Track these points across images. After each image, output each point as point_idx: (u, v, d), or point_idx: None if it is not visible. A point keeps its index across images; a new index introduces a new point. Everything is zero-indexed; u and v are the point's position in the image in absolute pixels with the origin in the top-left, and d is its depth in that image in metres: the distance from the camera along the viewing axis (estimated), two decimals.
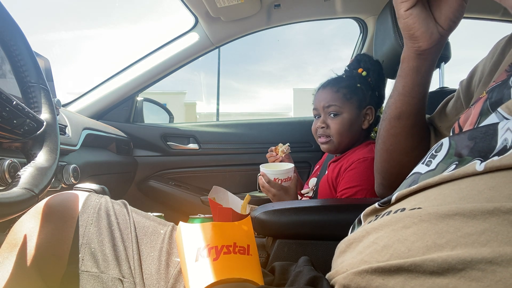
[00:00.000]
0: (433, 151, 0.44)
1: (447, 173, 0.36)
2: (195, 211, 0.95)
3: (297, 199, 1.09)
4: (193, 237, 0.47)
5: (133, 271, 0.48)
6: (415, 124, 0.58)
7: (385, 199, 0.42)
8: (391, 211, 0.39)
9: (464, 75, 0.59)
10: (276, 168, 1.10)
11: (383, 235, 0.36)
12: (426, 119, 0.65)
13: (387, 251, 0.33)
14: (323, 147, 1.13)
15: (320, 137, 1.12)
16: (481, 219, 0.29)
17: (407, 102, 0.56)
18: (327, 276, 0.42)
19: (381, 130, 0.63)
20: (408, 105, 0.57)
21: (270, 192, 1.07)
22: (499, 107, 0.37)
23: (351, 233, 0.46)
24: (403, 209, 0.37)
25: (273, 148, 1.28)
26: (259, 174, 1.52)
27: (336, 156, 1.15)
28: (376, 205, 0.43)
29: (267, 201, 1.20)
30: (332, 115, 1.08)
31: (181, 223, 0.50)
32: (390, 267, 0.31)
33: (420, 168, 0.43)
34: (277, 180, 1.07)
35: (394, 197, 0.41)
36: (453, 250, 0.29)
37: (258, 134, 1.70)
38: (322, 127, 1.10)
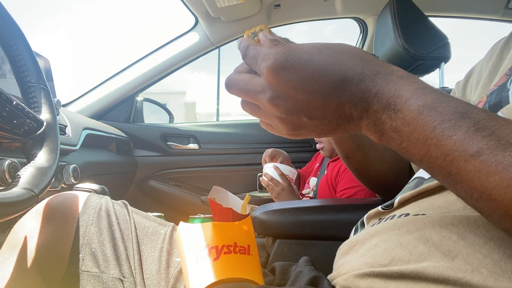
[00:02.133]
0: None
1: None
2: (195, 211, 0.95)
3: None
4: (193, 237, 0.47)
5: (133, 271, 0.48)
6: (366, 154, 0.60)
7: (388, 202, 0.42)
8: (395, 215, 0.39)
9: (463, 75, 0.59)
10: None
11: (386, 239, 0.36)
12: None
13: (389, 254, 0.33)
14: (320, 152, 1.18)
15: (316, 143, 1.18)
16: (484, 229, 0.30)
17: (345, 146, 0.59)
18: (328, 277, 0.42)
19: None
20: (348, 147, 0.59)
21: (279, 186, 1.08)
22: (499, 110, 0.37)
23: (353, 235, 0.46)
24: (407, 214, 0.37)
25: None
26: (259, 174, 1.53)
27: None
28: (379, 208, 0.43)
29: (267, 201, 1.20)
30: None
31: (181, 223, 0.50)
32: (391, 273, 0.32)
33: (423, 172, 0.43)
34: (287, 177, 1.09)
35: (396, 200, 0.41)
36: (454, 260, 0.29)
37: (258, 134, 1.69)
38: None
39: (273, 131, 0.36)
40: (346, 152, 0.60)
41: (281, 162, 1.26)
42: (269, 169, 1.12)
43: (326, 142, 1.12)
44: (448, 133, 0.25)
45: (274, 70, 0.30)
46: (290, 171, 1.11)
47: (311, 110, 0.31)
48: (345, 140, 0.58)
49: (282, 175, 1.09)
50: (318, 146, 1.17)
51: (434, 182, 0.37)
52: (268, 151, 1.31)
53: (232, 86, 0.35)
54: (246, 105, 0.36)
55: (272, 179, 1.10)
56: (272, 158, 1.27)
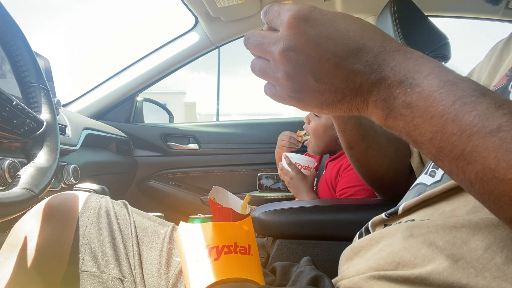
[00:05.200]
0: None
1: (451, 181, 0.36)
2: (195, 211, 0.95)
3: (313, 190, 1.10)
4: (193, 237, 0.47)
5: (133, 271, 0.48)
6: (369, 146, 0.59)
7: (392, 210, 0.41)
8: (400, 222, 0.39)
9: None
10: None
11: (391, 243, 0.36)
12: None
13: (393, 259, 0.33)
14: (308, 149, 1.16)
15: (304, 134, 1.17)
16: (486, 231, 0.29)
17: (348, 135, 0.58)
18: (332, 281, 0.42)
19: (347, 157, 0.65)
20: (352, 136, 0.58)
21: (288, 175, 1.08)
22: None
23: (358, 240, 0.46)
24: (413, 220, 0.37)
25: (293, 134, 1.25)
26: (259, 174, 1.53)
27: (330, 155, 1.16)
28: (383, 215, 0.43)
29: (267, 201, 1.20)
30: (315, 114, 1.11)
31: (181, 223, 0.50)
32: (396, 277, 0.32)
33: (424, 179, 0.43)
34: (297, 165, 1.09)
35: (401, 208, 0.40)
36: (458, 264, 0.29)
37: (258, 134, 1.69)
38: (305, 123, 1.14)
39: (275, 94, 0.34)
40: (349, 141, 0.59)
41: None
42: (282, 159, 1.13)
43: (313, 137, 1.11)
44: (469, 108, 0.24)
45: (295, 19, 0.29)
46: (303, 159, 1.11)
47: (321, 72, 0.30)
48: (349, 128, 0.57)
49: (290, 164, 1.09)
50: (306, 143, 1.17)
51: (438, 189, 0.37)
52: (283, 135, 1.27)
53: (249, 38, 0.34)
54: (256, 62, 0.34)
55: (282, 168, 1.11)
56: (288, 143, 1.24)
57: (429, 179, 0.42)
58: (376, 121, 0.30)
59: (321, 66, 0.29)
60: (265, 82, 0.36)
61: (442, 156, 0.26)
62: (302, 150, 1.33)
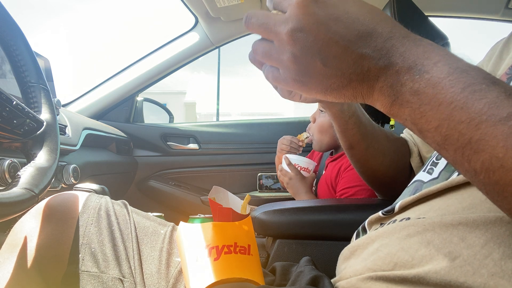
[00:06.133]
0: (434, 158, 0.43)
1: (447, 181, 0.36)
2: (195, 211, 0.95)
3: (312, 191, 1.10)
4: (193, 237, 0.47)
5: (133, 271, 0.48)
6: (369, 145, 0.60)
7: (389, 207, 0.42)
8: (396, 220, 0.39)
9: None
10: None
11: (387, 243, 0.36)
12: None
13: (391, 259, 0.33)
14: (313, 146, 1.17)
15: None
16: (483, 229, 0.29)
17: (350, 134, 0.58)
18: (331, 281, 0.42)
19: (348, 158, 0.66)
20: (353, 136, 0.58)
21: (287, 175, 1.09)
22: None
23: (355, 239, 0.46)
24: (408, 218, 0.37)
25: (294, 138, 1.23)
26: (259, 174, 1.52)
27: (331, 155, 1.16)
28: (380, 213, 0.43)
29: (267, 201, 1.20)
30: (321, 110, 1.12)
31: (181, 223, 0.50)
32: (394, 277, 0.31)
33: (422, 176, 0.43)
34: (296, 167, 1.09)
35: (397, 206, 0.40)
36: (455, 262, 0.29)
37: (258, 134, 1.69)
38: (311, 121, 1.15)
39: (278, 78, 0.33)
40: (350, 141, 0.59)
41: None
42: (282, 160, 1.14)
43: (318, 134, 1.11)
44: (479, 96, 0.24)
45: None
46: (303, 161, 1.12)
47: (328, 55, 0.29)
48: (350, 128, 0.57)
49: (290, 164, 1.10)
50: (307, 140, 1.18)
51: (434, 187, 0.37)
52: (283, 139, 1.25)
53: (251, 18, 0.32)
54: (259, 44, 0.33)
55: (281, 169, 1.11)
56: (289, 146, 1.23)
57: (427, 176, 0.42)
58: (380, 108, 0.30)
59: (329, 49, 0.29)
60: (263, 71, 0.34)
61: (447, 145, 0.25)
62: (303, 152, 1.33)
